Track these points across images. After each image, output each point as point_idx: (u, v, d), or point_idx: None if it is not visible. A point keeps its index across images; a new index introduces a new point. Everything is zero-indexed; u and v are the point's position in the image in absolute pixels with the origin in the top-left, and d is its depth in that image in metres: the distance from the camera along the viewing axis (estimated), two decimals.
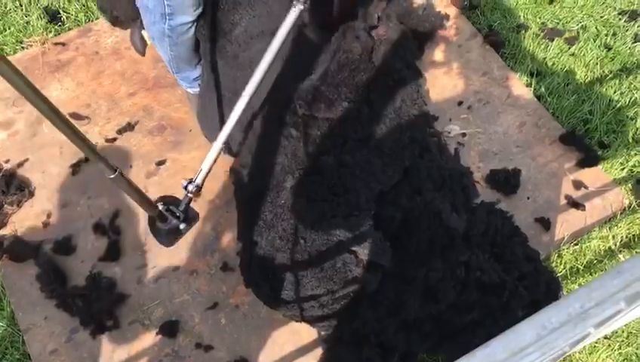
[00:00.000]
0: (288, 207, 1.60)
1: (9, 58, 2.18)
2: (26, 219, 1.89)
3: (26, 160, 1.99)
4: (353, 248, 1.57)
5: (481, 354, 0.63)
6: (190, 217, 1.46)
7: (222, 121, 1.85)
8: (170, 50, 1.78)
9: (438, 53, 2.29)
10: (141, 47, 2.12)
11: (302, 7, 1.41)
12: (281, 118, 1.69)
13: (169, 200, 1.43)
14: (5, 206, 1.89)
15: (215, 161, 1.46)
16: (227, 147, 1.91)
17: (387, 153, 1.71)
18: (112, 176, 1.17)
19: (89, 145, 1.12)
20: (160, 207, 1.37)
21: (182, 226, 1.44)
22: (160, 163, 2.01)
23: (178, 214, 1.42)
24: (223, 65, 1.77)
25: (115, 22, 2.19)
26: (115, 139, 2.04)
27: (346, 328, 1.63)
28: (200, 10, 1.68)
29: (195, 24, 1.72)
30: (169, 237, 1.51)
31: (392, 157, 1.72)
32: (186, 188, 1.44)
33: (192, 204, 1.85)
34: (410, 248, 1.64)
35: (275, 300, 1.62)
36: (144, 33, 2.10)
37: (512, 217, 1.86)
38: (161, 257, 1.83)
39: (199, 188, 1.45)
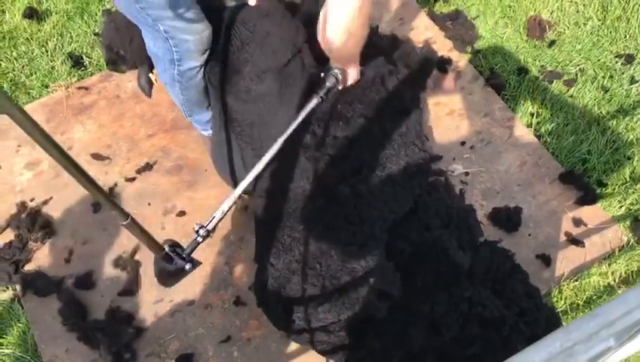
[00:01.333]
0: (307, 233, 1.69)
1: (35, 102, 2.32)
2: (49, 256, 1.99)
3: (50, 198, 2.10)
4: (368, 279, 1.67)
5: None
6: (195, 261, 1.51)
7: (231, 162, 1.96)
8: (182, 94, 1.90)
9: (442, 96, 2.39)
10: (147, 89, 2.26)
11: (319, 99, 1.66)
12: (300, 140, 1.80)
13: (175, 244, 1.48)
14: (30, 242, 2.00)
15: (230, 209, 1.53)
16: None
17: (399, 182, 1.82)
18: (125, 223, 1.24)
19: (103, 193, 1.18)
20: (167, 248, 1.42)
21: (187, 267, 1.48)
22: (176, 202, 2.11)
23: (184, 256, 1.47)
24: (235, 101, 1.86)
25: (116, 62, 2.32)
26: (134, 179, 2.15)
27: (352, 359, 1.70)
28: (207, 54, 1.79)
29: (203, 68, 1.83)
30: (171, 278, 1.57)
31: (403, 185, 1.83)
32: (197, 231, 1.48)
33: (207, 241, 1.95)
34: (417, 282, 1.72)
35: (286, 322, 1.69)
36: (151, 76, 2.22)
37: (514, 256, 1.94)
38: (177, 292, 1.92)
39: (209, 233, 1.50)
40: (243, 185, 1.55)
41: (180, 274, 1.53)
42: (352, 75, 1.78)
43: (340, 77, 1.72)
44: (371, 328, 1.68)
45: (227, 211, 1.52)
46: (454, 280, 1.72)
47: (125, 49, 2.26)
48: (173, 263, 1.45)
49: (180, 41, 1.67)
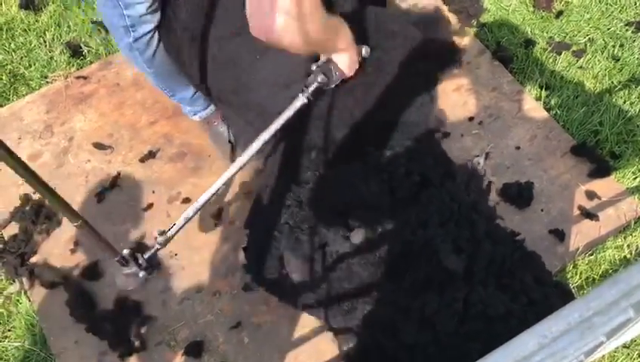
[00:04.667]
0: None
1: (35, 93, 2.30)
2: (54, 247, 1.97)
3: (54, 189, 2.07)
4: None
5: None
6: (152, 266, 1.46)
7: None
8: (148, 67, 1.83)
9: (448, 71, 2.34)
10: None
11: (305, 100, 1.52)
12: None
13: (136, 249, 1.43)
14: (35, 235, 1.98)
15: (190, 219, 1.47)
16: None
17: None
18: (77, 224, 1.21)
19: (54, 194, 1.15)
20: (124, 252, 1.37)
21: (141, 274, 1.43)
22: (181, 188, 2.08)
23: (141, 262, 1.41)
24: (211, 70, 1.80)
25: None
26: (137, 167, 2.12)
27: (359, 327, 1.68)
28: (158, 16, 1.71)
29: (158, 34, 1.75)
30: (128, 282, 1.48)
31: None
32: (156, 238, 1.43)
33: (220, 228, 1.92)
34: (405, 282, 1.67)
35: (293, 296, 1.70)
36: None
37: (524, 242, 1.84)
38: (185, 280, 1.89)
39: (169, 240, 1.45)
40: (212, 190, 1.49)
41: (136, 279, 1.45)
42: (347, 63, 1.58)
43: (331, 72, 1.55)
44: (359, 318, 1.66)
45: (190, 218, 1.46)
46: (447, 282, 1.65)
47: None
48: (129, 267, 1.40)
49: (130, 3, 1.61)
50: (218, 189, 1.51)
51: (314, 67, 1.57)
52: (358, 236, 1.65)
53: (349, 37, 1.54)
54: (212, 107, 2.07)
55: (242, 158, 1.49)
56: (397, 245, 1.68)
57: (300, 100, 1.52)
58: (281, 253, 1.70)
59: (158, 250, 1.45)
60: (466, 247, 1.70)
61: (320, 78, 1.54)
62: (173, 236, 1.45)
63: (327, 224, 1.68)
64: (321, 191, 1.74)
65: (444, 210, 1.75)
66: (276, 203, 1.76)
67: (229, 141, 2.09)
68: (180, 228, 1.45)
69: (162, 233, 1.43)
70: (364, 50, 1.69)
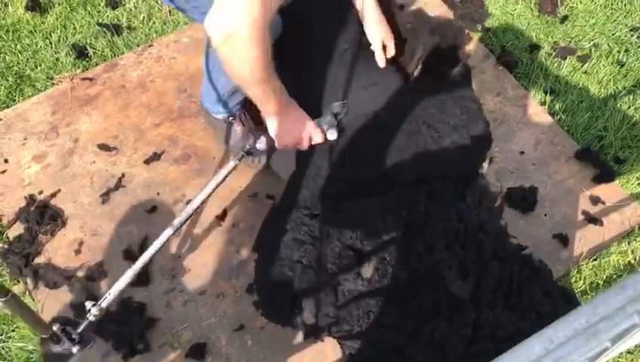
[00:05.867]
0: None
1: (41, 94, 2.31)
2: (59, 248, 1.97)
3: (59, 191, 2.08)
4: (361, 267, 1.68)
5: None
6: (85, 340, 1.40)
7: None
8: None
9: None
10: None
11: (236, 162, 1.62)
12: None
13: (65, 321, 1.38)
14: (40, 235, 1.98)
15: (123, 287, 1.45)
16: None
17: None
18: (3, 300, 1.07)
19: None
20: (55, 327, 1.29)
21: (74, 349, 1.36)
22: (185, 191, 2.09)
23: (74, 336, 1.34)
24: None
25: None
26: (142, 169, 2.13)
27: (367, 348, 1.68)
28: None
29: None
30: (57, 360, 1.41)
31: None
32: (89, 310, 1.38)
33: (217, 229, 1.93)
34: (413, 308, 1.67)
35: (292, 319, 1.74)
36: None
37: (531, 256, 1.84)
38: (189, 282, 1.89)
39: (103, 312, 1.41)
40: (143, 259, 1.50)
41: (68, 357, 1.39)
42: (276, 132, 1.64)
43: (259, 138, 1.65)
44: (366, 340, 1.66)
45: (122, 287, 1.44)
46: (455, 307, 1.65)
47: None
48: (60, 344, 1.32)
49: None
50: (160, 247, 1.52)
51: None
52: (369, 270, 1.67)
53: (284, 105, 1.58)
54: (238, 107, 2.06)
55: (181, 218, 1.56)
56: (403, 272, 1.68)
57: (232, 164, 1.62)
58: (293, 293, 1.72)
59: (92, 322, 1.39)
60: (472, 270, 1.69)
61: (250, 142, 1.64)
62: (107, 308, 1.41)
63: (340, 260, 1.70)
64: (336, 225, 1.75)
65: (449, 231, 1.75)
66: (290, 231, 1.79)
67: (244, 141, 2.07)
68: (114, 298, 1.41)
69: (95, 304, 1.38)
70: (330, 134, 1.74)
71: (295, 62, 1.93)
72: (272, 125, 1.61)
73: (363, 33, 1.97)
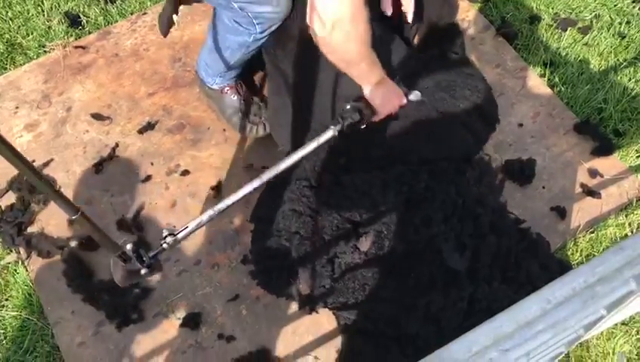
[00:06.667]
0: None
1: (33, 62, 2.27)
2: (51, 217, 1.95)
3: (51, 160, 2.06)
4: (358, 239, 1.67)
5: (489, 327, 0.66)
6: (155, 266, 1.37)
7: (295, 127, 1.90)
8: (242, 58, 1.87)
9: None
10: (165, 27, 1.99)
11: (335, 132, 1.54)
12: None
13: (139, 243, 1.31)
14: (32, 204, 1.96)
15: (204, 225, 1.44)
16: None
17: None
18: (74, 217, 1.05)
19: (49, 185, 1.02)
20: (128, 247, 1.26)
21: (143, 271, 1.33)
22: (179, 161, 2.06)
23: (144, 259, 1.32)
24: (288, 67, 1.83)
25: None
26: (136, 138, 2.10)
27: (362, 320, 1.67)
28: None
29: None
30: (126, 277, 1.37)
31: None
32: (165, 238, 1.37)
33: (212, 200, 1.91)
34: (410, 281, 1.66)
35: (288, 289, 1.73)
36: (174, 17, 2.00)
37: (529, 230, 1.84)
38: (184, 252, 1.88)
39: (177, 243, 1.39)
40: (229, 201, 1.46)
41: (136, 275, 1.36)
42: (380, 101, 1.59)
43: (364, 111, 1.57)
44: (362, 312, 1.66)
45: (202, 225, 1.42)
46: (451, 281, 1.64)
47: None
48: (130, 263, 1.30)
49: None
50: (240, 198, 1.48)
51: (348, 106, 1.58)
52: (366, 243, 1.65)
53: (382, 73, 1.57)
54: (235, 77, 2.04)
55: (269, 173, 1.50)
56: (400, 245, 1.67)
57: (330, 132, 1.54)
58: (290, 263, 1.71)
59: (164, 250, 1.38)
60: (469, 243, 1.69)
61: (354, 117, 1.56)
62: (181, 240, 1.40)
63: (337, 233, 1.69)
64: (336, 198, 1.73)
65: (447, 205, 1.73)
66: (288, 202, 1.77)
67: (240, 110, 2.05)
68: (191, 232, 1.40)
69: (171, 234, 1.37)
70: (413, 95, 1.70)
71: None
72: (376, 96, 1.58)
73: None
